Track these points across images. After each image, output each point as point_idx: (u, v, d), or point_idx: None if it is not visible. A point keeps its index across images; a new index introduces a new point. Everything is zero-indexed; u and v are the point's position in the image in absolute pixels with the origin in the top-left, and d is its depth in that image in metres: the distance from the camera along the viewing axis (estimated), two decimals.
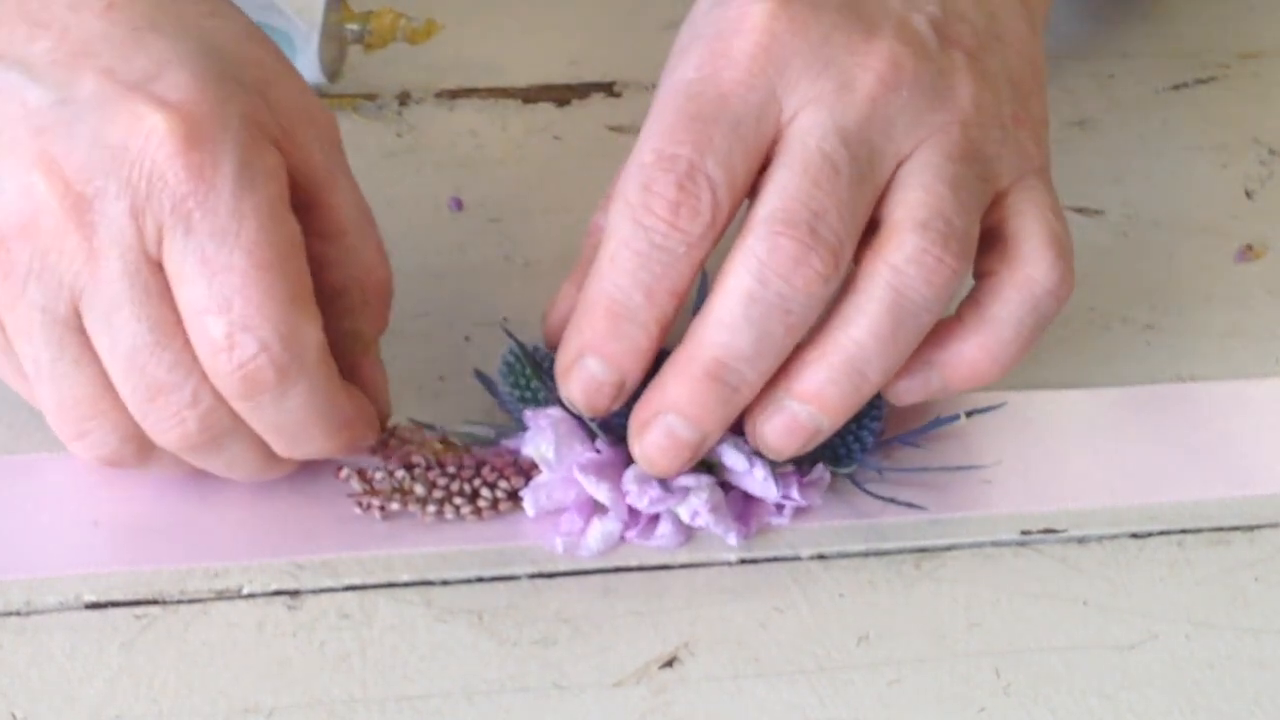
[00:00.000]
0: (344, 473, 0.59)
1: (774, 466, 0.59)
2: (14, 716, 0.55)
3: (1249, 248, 0.73)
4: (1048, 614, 0.59)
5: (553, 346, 0.60)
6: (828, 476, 0.61)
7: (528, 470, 0.60)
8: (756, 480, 0.59)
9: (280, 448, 0.57)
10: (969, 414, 0.63)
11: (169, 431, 0.55)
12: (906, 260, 0.55)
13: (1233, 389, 0.67)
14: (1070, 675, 0.57)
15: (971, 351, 0.58)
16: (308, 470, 0.60)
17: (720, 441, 0.59)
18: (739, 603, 0.59)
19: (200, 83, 0.54)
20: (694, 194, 0.55)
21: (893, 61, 0.57)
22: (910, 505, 0.61)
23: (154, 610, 0.57)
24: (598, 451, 0.59)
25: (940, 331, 0.58)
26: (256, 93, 0.55)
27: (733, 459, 0.59)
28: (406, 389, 0.64)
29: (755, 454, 0.59)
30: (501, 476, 0.60)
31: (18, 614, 0.57)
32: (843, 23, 0.57)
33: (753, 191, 0.56)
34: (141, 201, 0.52)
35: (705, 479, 0.59)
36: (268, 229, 0.53)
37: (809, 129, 0.56)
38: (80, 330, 0.54)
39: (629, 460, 0.59)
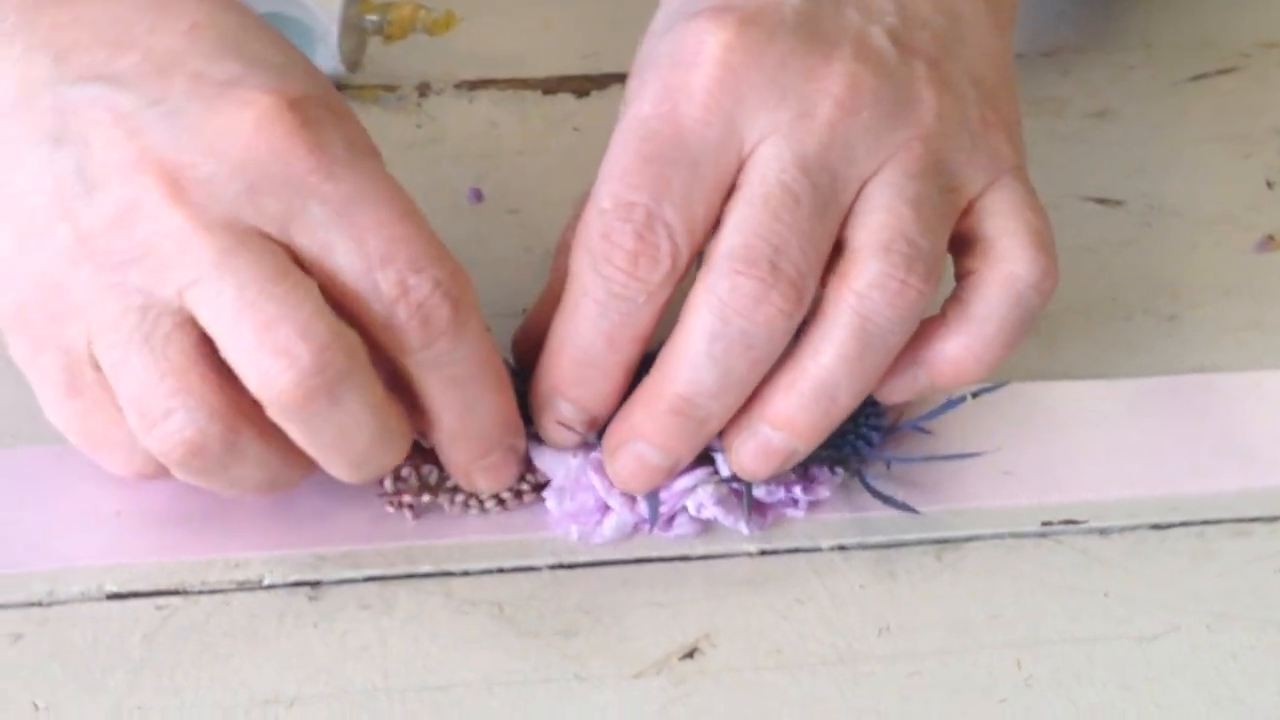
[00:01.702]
0: None
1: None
2: (36, 707, 0.55)
3: (1270, 238, 0.72)
4: (1069, 605, 0.59)
5: (522, 365, 0.61)
6: (838, 472, 0.61)
7: None
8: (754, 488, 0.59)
9: (453, 407, 0.56)
10: (975, 394, 0.63)
11: (283, 374, 0.52)
12: (869, 285, 0.55)
13: (1254, 379, 0.67)
14: (1091, 666, 0.57)
15: (956, 350, 0.58)
16: None
17: (716, 450, 0.59)
18: (759, 594, 0.59)
19: (289, 76, 0.54)
20: (652, 244, 0.55)
21: (851, 84, 0.56)
22: (905, 508, 0.61)
23: (175, 601, 0.58)
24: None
25: (925, 330, 0.58)
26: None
27: (727, 470, 0.59)
28: None
29: None
30: (529, 469, 0.60)
31: (40, 604, 0.57)
32: (798, 47, 0.57)
33: (716, 223, 0.56)
34: (260, 182, 0.52)
35: (701, 473, 0.59)
36: (394, 185, 0.54)
37: (768, 161, 0.55)
38: (178, 311, 0.53)
39: None
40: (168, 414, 0.53)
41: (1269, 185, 0.75)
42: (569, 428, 0.58)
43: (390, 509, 0.59)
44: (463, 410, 0.56)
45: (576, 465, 0.59)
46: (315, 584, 0.58)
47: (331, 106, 0.55)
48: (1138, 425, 0.65)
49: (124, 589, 0.58)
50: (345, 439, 0.54)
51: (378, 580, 0.58)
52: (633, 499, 0.59)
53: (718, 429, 0.57)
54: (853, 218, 0.56)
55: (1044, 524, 0.61)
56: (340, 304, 0.53)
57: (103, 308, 0.53)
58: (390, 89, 0.76)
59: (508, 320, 0.66)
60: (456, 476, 0.58)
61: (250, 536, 0.59)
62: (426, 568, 0.59)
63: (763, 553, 0.60)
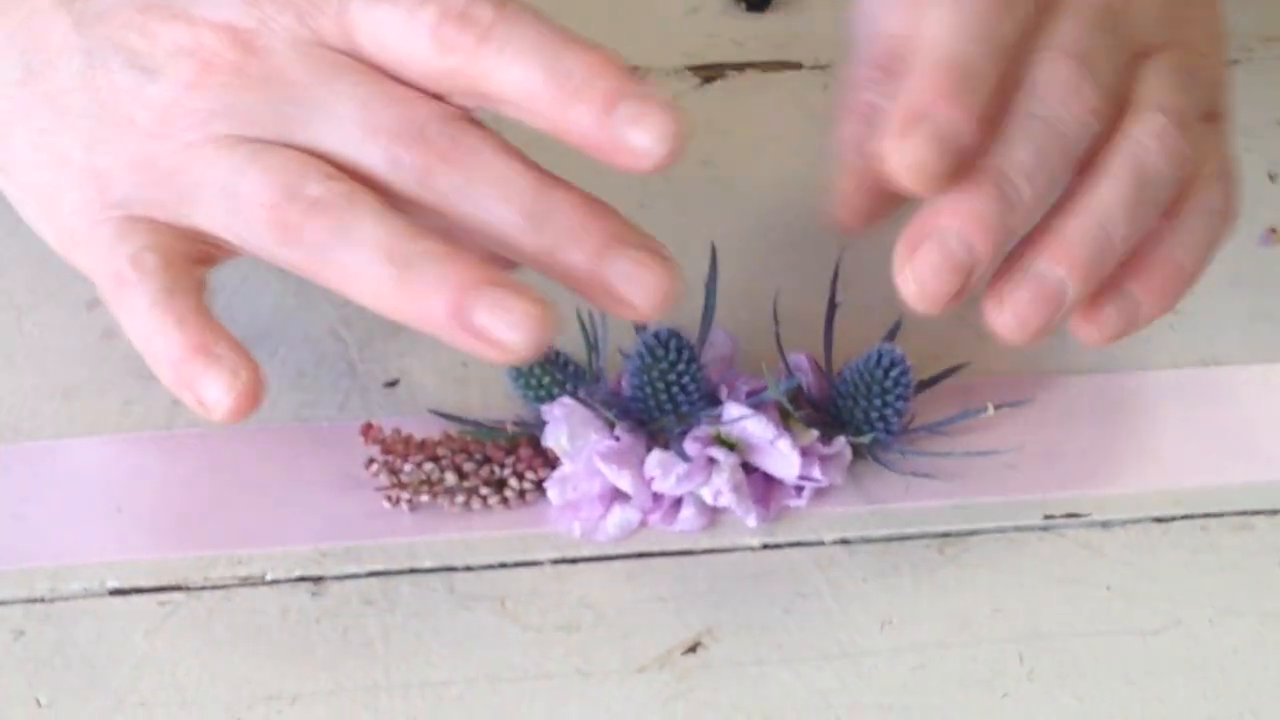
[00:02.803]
0: (374, 467, 0.59)
1: (797, 440, 0.59)
2: (38, 703, 0.55)
3: (1273, 231, 0.72)
4: (1071, 599, 0.59)
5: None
6: (848, 453, 0.61)
7: (554, 461, 0.60)
8: (781, 453, 0.59)
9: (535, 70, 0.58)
10: (996, 407, 0.63)
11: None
12: (1148, 135, 0.57)
13: (1257, 373, 0.67)
14: (1094, 660, 0.57)
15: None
16: (332, 456, 0.61)
17: (744, 417, 0.59)
18: (762, 588, 0.59)
19: None
20: None
21: None
22: (926, 476, 0.61)
23: (178, 597, 0.58)
24: (616, 439, 0.59)
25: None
26: None
27: (760, 429, 0.59)
28: (430, 375, 0.64)
29: (781, 427, 0.59)
30: (529, 468, 0.60)
31: (43, 600, 0.57)
32: None
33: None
34: (305, 6, 0.54)
35: (731, 458, 0.59)
36: None
37: None
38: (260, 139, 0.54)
39: (649, 445, 0.59)
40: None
41: (1271, 178, 0.75)
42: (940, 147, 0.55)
43: (387, 504, 0.59)
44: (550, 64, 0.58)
45: (580, 452, 0.59)
46: (318, 579, 0.58)
47: None
48: (1140, 418, 0.65)
49: (126, 585, 0.58)
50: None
51: (380, 575, 0.58)
52: (647, 483, 0.59)
53: (1020, 227, 0.56)
54: (1132, 84, 0.59)
55: (1046, 517, 0.61)
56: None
57: (187, 156, 0.54)
58: None
59: None
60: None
61: (253, 532, 0.59)
62: (429, 563, 0.59)
63: (765, 546, 0.60)
